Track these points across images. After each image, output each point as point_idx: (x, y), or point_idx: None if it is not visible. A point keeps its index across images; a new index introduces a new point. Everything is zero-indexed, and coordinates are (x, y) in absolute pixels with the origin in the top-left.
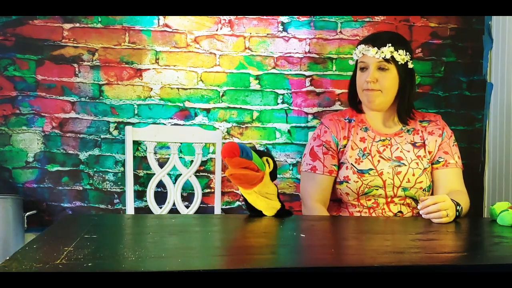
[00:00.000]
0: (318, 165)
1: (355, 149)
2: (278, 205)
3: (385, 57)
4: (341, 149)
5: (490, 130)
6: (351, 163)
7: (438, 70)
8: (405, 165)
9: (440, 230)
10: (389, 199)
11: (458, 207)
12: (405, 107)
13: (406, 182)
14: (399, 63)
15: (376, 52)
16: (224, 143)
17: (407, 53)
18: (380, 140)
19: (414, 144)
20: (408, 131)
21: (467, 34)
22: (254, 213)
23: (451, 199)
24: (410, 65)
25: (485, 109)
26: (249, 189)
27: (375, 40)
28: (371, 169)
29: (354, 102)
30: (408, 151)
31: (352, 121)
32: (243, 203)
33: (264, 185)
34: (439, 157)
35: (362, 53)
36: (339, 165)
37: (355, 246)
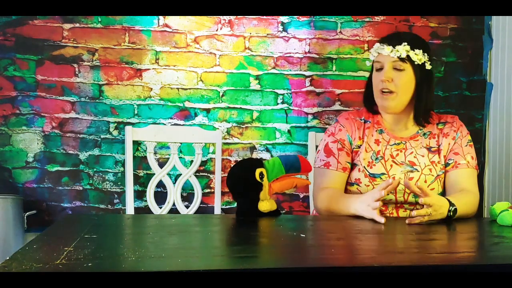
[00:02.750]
0: (332, 161)
1: (369, 151)
2: (274, 204)
3: (400, 56)
4: (354, 149)
5: (490, 130)
6: (364, 166)
7: (438, 70)
8: (418, 171)
9: (440, 230)
10: (398, 204)
11: (451, 207)
12: (421, 110)
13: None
14: (416, 63)
15: (391, 51)
16: (223, 143)
17: (425, 54)
18: (395, 144)
19: (429, 149)
20: (424, 134)
21: (467, 34)
22: (253, 215)
23: (447, 199)
24: (428, 66)
25: (485, 109)
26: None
27: (391, 39)
28: (383, 174)
29: (369, 104)
30: (423, 156)
31: (368, 122)
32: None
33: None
34: (449, 159)
35: (378, 52)
36: (352, 165)
37: (355, 246)
